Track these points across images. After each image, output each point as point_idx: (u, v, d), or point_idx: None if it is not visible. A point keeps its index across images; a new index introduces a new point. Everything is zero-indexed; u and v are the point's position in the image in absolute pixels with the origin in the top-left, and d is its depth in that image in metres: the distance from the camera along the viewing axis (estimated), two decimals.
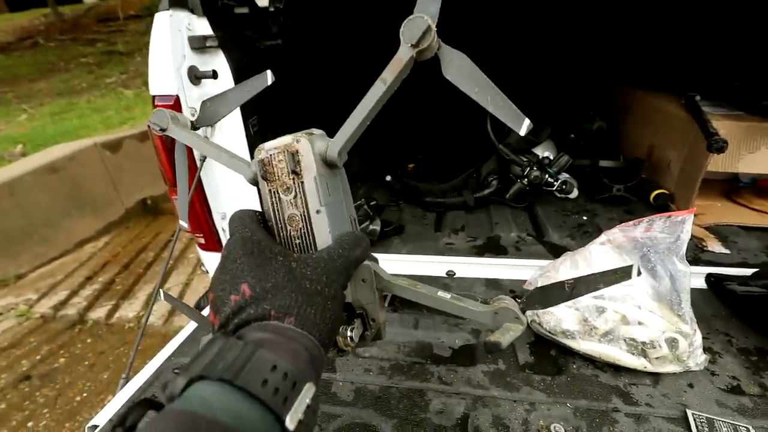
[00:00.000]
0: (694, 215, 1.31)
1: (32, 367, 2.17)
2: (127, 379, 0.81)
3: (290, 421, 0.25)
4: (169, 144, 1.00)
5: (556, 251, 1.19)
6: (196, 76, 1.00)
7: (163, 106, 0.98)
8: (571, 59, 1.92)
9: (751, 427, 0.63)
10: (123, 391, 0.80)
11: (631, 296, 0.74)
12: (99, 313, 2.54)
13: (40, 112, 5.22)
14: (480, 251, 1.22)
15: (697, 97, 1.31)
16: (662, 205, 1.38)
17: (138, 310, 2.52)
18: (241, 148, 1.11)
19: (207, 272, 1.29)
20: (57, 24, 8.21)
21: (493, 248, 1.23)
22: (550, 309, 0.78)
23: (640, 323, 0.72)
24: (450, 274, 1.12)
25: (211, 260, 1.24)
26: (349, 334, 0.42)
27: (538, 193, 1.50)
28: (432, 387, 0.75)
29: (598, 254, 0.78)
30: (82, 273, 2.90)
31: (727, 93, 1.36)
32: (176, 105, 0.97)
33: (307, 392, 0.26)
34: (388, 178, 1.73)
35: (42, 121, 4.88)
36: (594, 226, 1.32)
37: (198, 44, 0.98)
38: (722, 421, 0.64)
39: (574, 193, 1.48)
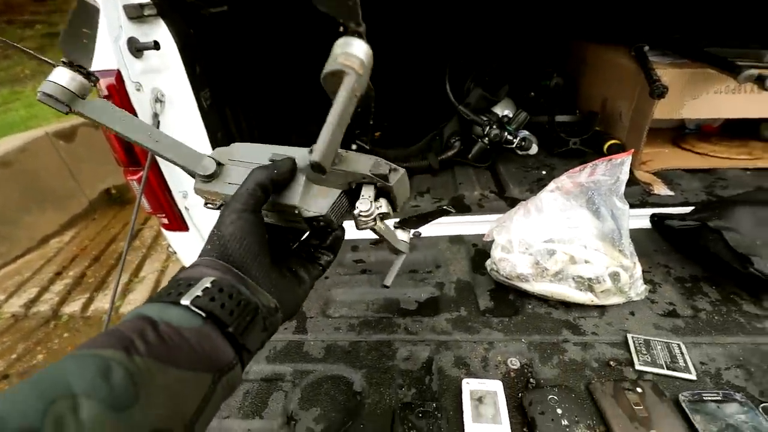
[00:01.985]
0: (643, 162, 1.39)
1: (9, 366, 2.13)
2: None
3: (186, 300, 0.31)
4: None
5: (515, 205, 1.24)
6: (137, 48, 0.95)
7: (104, 84, 0.94)
8: (526, 16, 1.92)
9: (681, 343, 0.70)
10: None
11: (578, 237, 0.79)
12: (73, 307, 2.49)
13: None
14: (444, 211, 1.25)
15: (646, 48, 1.35)
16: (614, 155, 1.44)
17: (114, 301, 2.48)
18: (194, 122, 1.08)
19: (176, 253, 1.29)
20: None
21: (457, 207, 1.27)
22: (506, 256, 0.83)
23: (586, 261, 0.78)
24: (416, 234, 1.15)
25: (178, 240, 1.23)
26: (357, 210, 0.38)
27: (500, 152, 1.53)
28: (398, 338, 0.79)
29: (548, 201, 0.83)
30: (51, 269, 2.81)
31: (673, 42, 1.40)
32: (118, 80, 0.93)
33: (204, 282, 0.32)
34: (354, 147, 1.72)
35: None
36: (552, 179, 1.37)
37: (135, 13, 0.93)
38: (657, 341, 0.71)
39: (534, 149, 1.52)
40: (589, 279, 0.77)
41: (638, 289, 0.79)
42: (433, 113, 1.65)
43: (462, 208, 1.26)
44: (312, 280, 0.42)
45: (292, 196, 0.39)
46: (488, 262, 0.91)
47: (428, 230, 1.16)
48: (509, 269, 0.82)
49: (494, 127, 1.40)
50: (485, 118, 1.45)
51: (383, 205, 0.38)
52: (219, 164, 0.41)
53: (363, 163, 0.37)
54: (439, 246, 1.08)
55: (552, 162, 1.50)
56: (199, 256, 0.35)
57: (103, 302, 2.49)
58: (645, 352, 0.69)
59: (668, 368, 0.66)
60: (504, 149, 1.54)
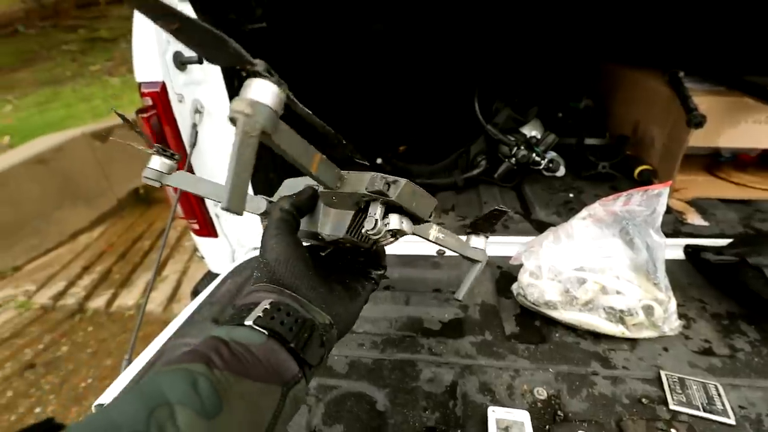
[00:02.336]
0: (676, 190, 1.35)
1: (36, 355, 2.20)
2: (130, 361, 0.84)
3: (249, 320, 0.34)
4: (158, 130, 1.01)
5: (542, 228, 1.22)
6: (181, 62, 1.00)
7: (149, 93, 0.98)
8: (557, 38, 1.92)
9: (719, 384, 0.68)
10: (126, 371, 0.83)
11: (610, 267, 0.78)
12: (98, 302, 2.57)
13: (24, 103, 5.11)
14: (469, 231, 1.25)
15: (681, 74, 1.33)
16: (646, 181, 1.41)
17: (137, 298, 2.55)
18: (230, 133, 1.12)
19: (203, 258, 1.32)
20: (37, 10, 7.95)
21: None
22: (534, 282, 0.82)
23: (618, 292, 0.76)
24: (440, 253, 1.15)
25: (207, 246, 1.26)
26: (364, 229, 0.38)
27: (526, 172, 1.52)
28: (422, 358, 0.79)
29: (579, 228, 0.82)
30: (79, 263, 2.91)
31: (710, 69, 1.37)
32: (163, 91, 0.97)
33: (263, 305, 0.35)
34: (379, 161, 1.74)
35: (27, 112, 4.80)
36: (580, 203, 1.35)
37: None
38: (692, 380, 0.69)
39: (561, 171, 1.50)
40: (621, 311, 0.75)
41: (672, 324, 0.76)
42: (460, 131, 1.66)
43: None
44: (365, 293, 0.44)
45: (316, 222, 0.43)
46: (515, 287, 0.90)
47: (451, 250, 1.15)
48: (537, 295, 0.81)
49: (522, 147, 1.39)
50: (513, 139, 1.44)
51: (393, 221, 0.37)
52: (270, 202, 0.48)
53: (361, 181, 0.38)
54: (462, 267, 1.07)
55: (579, 185, 1.49)
56: (252, 284, 0.38)
57: (126, 299, 2.56)
58: (679, 391, 0.67)
59: (705, 410, 0.64)
60: (530, 170, 1.54)
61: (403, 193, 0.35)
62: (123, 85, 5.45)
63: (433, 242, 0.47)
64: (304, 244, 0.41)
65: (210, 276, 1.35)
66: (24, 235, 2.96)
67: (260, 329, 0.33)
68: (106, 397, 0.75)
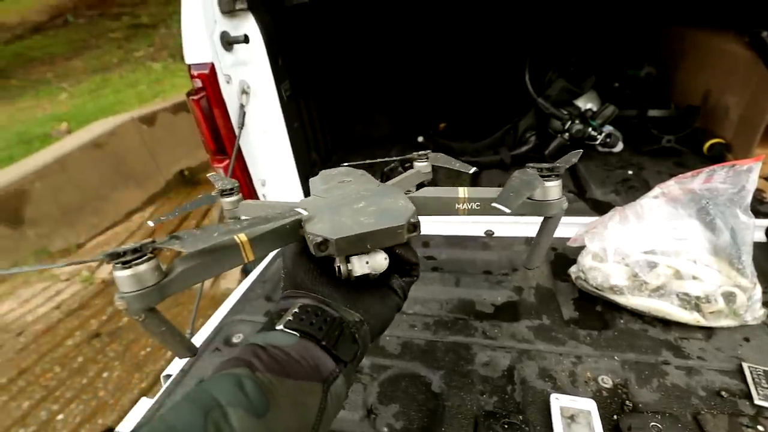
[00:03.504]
0: None
1: (100, 326, 2.40)
2: (192, 334, 0.88)
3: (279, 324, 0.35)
4: (208, 112, 1.02)
5: (599, 208, 1.15)
6: (228, 42, 0.99)
7: (199, 75, 0.99)
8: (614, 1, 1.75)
9: None
10: None
11: (686, 250, 0.71)
12: None
13: (78, 90, 5.41)
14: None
15: (764, 33, 1.18)
16: (716, 156, 1.29)
17: None
18: (274, 113, 1.12)
19: None
20: (84, 0, 8.30)
21: None
22: (598, 265, 0.77)
23: (694, 277, 0.70)
24: (488, 233, 1.11)
25: None
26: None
27: (579, 148, 1.43)
28: (476, 341, 0.77)
29: (650, 208, 0.75)
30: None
31: None
32: (212, 72, 0.98)
33: (292, 309, 0.35)
34: (420, 138, 1.70)
35: (81, 99, 5.07)
36: (641, 181, 1.26)
37: (228, 7, 0.97)
38: None
39: (619, 147, 1.40)
40: (698, 297, 0.69)
41: (756, 313, 0.70)
42: (508, 106, 1.58)
43: None
44: (399, 291, 0.41)
45: None
46: (573, 269, 0.85)
47: (502, 230, 1.11)
48: (600, 279, 0.76)
49: (577, 121, 1.30)
50: (566, 112, 1.35)
51: (356, 267, 0.34)
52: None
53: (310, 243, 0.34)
54: (514, 247, 1.03)
55: (639, 160, 1.38)
56: (282, 296, 0.39)
57: None
58: (766, 385, 0.61)
59: None
60: (584, 145, 1.44)
61: (341, 248, 0.32)
62: (164, 70, 5.63)
63: (467, 216, 0.40)
64: None
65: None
66: (85, 214, 3.18)
67: (292, 332, 0.34)
68: (173, 368, 0.79)
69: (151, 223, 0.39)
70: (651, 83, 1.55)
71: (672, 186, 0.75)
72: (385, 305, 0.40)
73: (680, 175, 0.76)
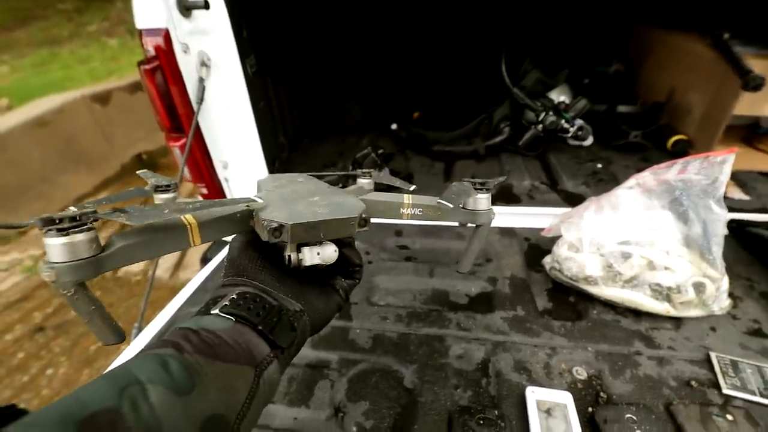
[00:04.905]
0: None
1: (45, 319, 2.21)
2: (140, 329, 0.80)
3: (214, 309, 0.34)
4: (162, 85, 0.93)
5: (571, 199, 1.15)
6: (185, 7, 0.90)
7: (152, 42, 0.89)
8: None
9: None
10: (137, 339, 0.79)
11: (659, 241, 0.71)
12: None
13: (21, 64, 4.94)
14: (492, 200, 1.18)
15: (726, 35, 1.22)
16: (680, 152, 1.32)
17: (143, 264, 2.53)
18: (238, 89, 1.03)
19: None
20: None
21: (505, 197, 1.19)
22: (573, 255, 0.76)
23: (666, 268, 0.70)
24: (462, 224, 1.08)
25: None
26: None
27: (550, 141, 1.43)
28: (451, 333, 0.74)
29: (626, 198, 0.75)
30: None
31: (759, 31, 1.25)
32: (166, 40, 0.88)
33: (230, 295, 0.34)
34: (394, 126, 1.65)
35: (24, 73, 4.64)
36: (609, 174, 1.28)
37: None
38: (746, 363, 0.64)
39: (589, 140, 1.41)
40: (669, 288, 0.70)
41: (722, 303, 0.71)
42: (483, 95, 1.56)
43: (511, 198, 1.19)
44: (341, 292, 0.42)
45: None
46: (548, 260, 0.84)
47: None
48: (576, 270, 0.75)
49: (550, 113, 1.30)
50: (540, 104, 1.35)
51: (306, 257, 0.34)
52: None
53: (262, 231, 0.34)
54: (489, 237, 1.01)
55: (608, 155, 1.40)
56: (221, 284, 0.37)
57: (133, 266, 2.54)
58: (732, 375, 0.62)
59: (761, 395, 0.59)
60: (554, 138, 1.45)
61: (295, 234, 0.32)
62: (121, 47, 5.24)
63: (410, 220, 0.44)
64: None
65: (220, 243, 1.29)
66: (28, 199, 2.91)
67: (227, 316, 0.33)
68: (119, 361, 0.71)
69: (73, 209, 0.29)
70: (619, 80, 1.58)
71: (647, 177, 0.75)
72: (328, 302, 0.40)
73: (656, 166, 0.76)
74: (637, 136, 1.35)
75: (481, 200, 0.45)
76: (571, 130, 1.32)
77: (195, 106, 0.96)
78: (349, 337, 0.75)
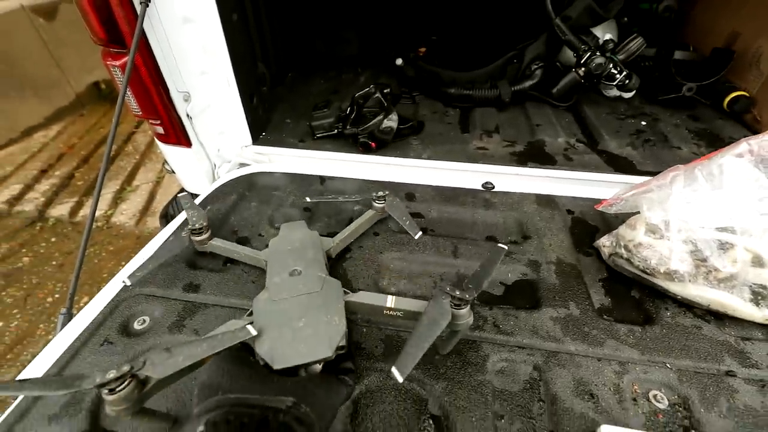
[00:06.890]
0: None
1: None
2: (69, 315, 0.59)
3: None
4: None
5: (615, 163, 0.96)
6: None
7: None
8: None
9: None
10: (66, 329, 0.59)
11: None
12: (61, 210, 2.27)
13: None
14: (521, 159, 0.97)
15: None
16: (738, 112, 1.13)
17: (105, 209, 2.26)
18: (217, 41, 0.76)
19: (173, 172, 1.01)
20: None
21: (537, 156, 0.99)
22: (654, 242, 0.57)
23: None
24: (487, 186, 0.88)
25: (177, 157, 0.95)
26: None
27: (592, 86, 1.20)
28: (487, 337, 0.56)
29: (732, 169, 0.55)
30: (35, 165, 2.54)
31: None
32: None
33: None
34: (399, 61, 1.38)
35: None
36: (658, 134, 1.08)
37: None
38: None
39: (632, 92, 1.19)
40: None
41: None
42: (512, 27, 1.28)
43: (544, 158, 0.98)
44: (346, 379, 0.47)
45: None
46: (605, 242, 0.66)
47: (505, 184, 0.89)
48: (655, 261, 0.57)
49: (597, 54, 1.06)
50: (583, 42, 1.10)
51: None
52: None
53: None
54: (524, 208, 0.82)
55: (652, 110, 1.19)
56: (195, 413, 0.37)
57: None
58: None
59: None
60: (588, 87, 1.21)
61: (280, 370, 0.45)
62: None
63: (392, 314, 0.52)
64: None
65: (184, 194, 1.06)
66: None
67: None
68: (40, 361, 0.52)
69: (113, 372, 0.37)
70: (671, 20, 1.32)
71: (764, 141, 0.55)
72: (329, 391, 0.43)
73: None
74: (691, 89, 1.13)
75: (461, 314, 0.47)
76: (618, 77, 1.09)
77: (138, 8, 0.68)
78: (353, 338, 0.56)
